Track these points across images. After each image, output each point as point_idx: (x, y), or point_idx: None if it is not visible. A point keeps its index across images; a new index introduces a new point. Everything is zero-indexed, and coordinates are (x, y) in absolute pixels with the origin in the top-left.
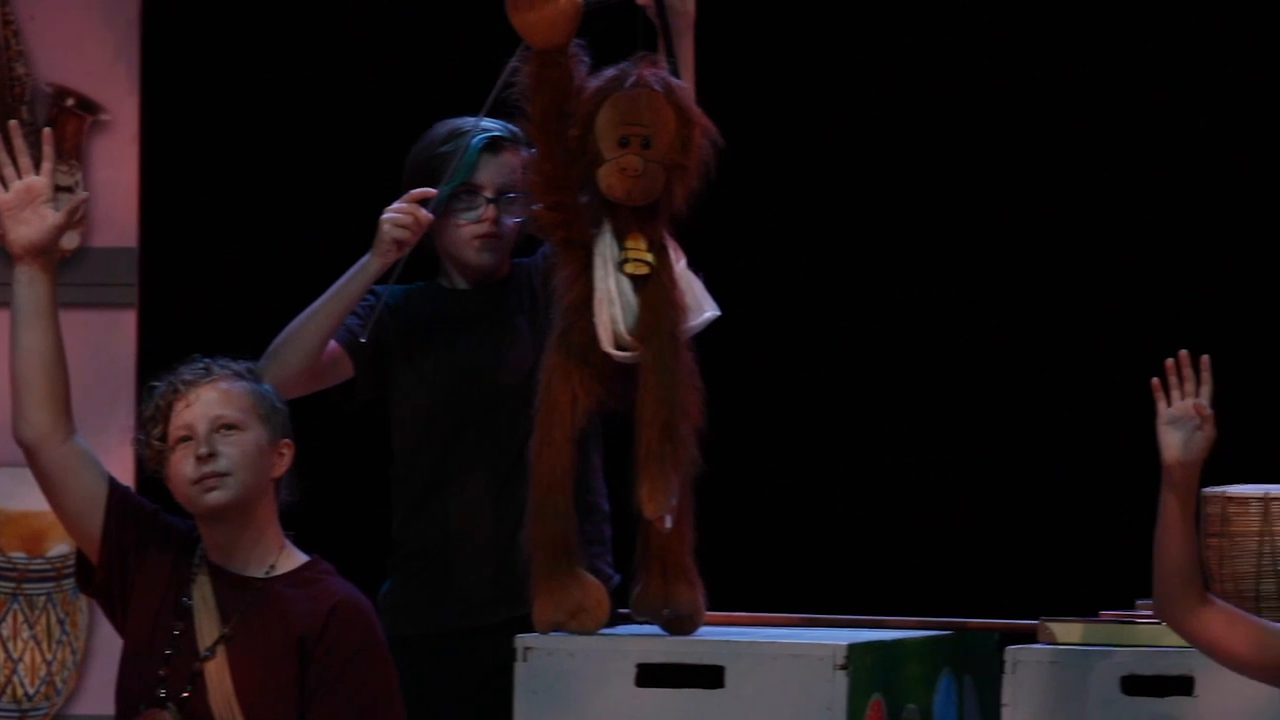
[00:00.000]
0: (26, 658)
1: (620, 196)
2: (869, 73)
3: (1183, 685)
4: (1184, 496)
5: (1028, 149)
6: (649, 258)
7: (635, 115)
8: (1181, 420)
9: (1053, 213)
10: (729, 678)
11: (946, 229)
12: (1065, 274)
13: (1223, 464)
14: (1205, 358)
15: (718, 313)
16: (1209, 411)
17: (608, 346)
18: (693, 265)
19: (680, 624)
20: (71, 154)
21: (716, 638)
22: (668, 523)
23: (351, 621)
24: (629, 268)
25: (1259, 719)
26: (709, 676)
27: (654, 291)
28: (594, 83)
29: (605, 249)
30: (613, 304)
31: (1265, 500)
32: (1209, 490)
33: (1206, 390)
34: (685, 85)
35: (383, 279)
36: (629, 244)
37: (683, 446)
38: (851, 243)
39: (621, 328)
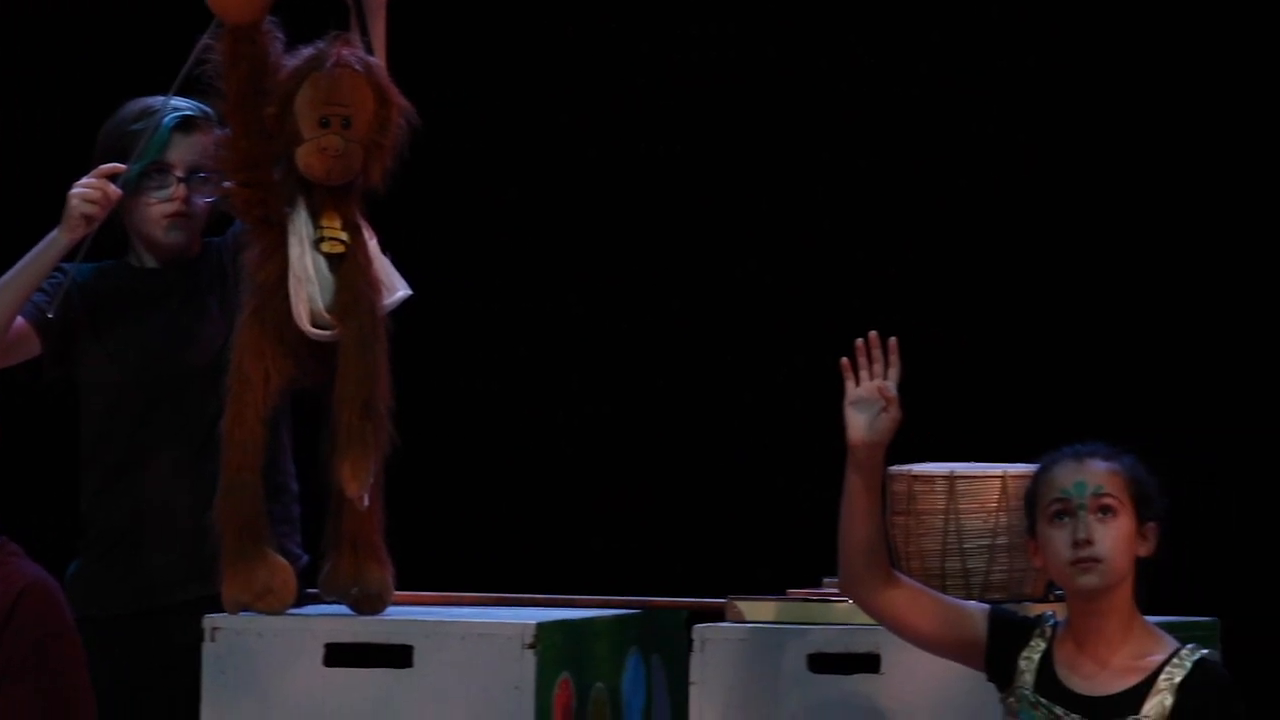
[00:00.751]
0: None
1: (320, 176)
2: (548, 58)
3: (869, 663)
4: (869, 476)
5: (697, 132)
6: (344, 236)
7: (336, 95)
8: (867, 401)
9: (734, 197)
10: (417, 657)
11: (629, 212)
12: (755, 253)
13: (909, 442)
14: (893, 340)
15: (409, 292)
16: (894, 393)
17: (305, 325)
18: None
19: (369, 603)
20: None
21: (405, 617)
22: (366, 501)
23: (39, 605)
24: (325, 246)
25: (944, 695)
26: (397, 656)
27: (350, 270)
28: (292, 61)
29: (300, 227)
30: (310, 282)
31: (951, 479)
32: (895, 469)
33: (894, 372)
34: (382, 65)
35: (70, 255)
36: (324, 222)
37: (381, 425)
38: (535, 225)
39: (319, 305)
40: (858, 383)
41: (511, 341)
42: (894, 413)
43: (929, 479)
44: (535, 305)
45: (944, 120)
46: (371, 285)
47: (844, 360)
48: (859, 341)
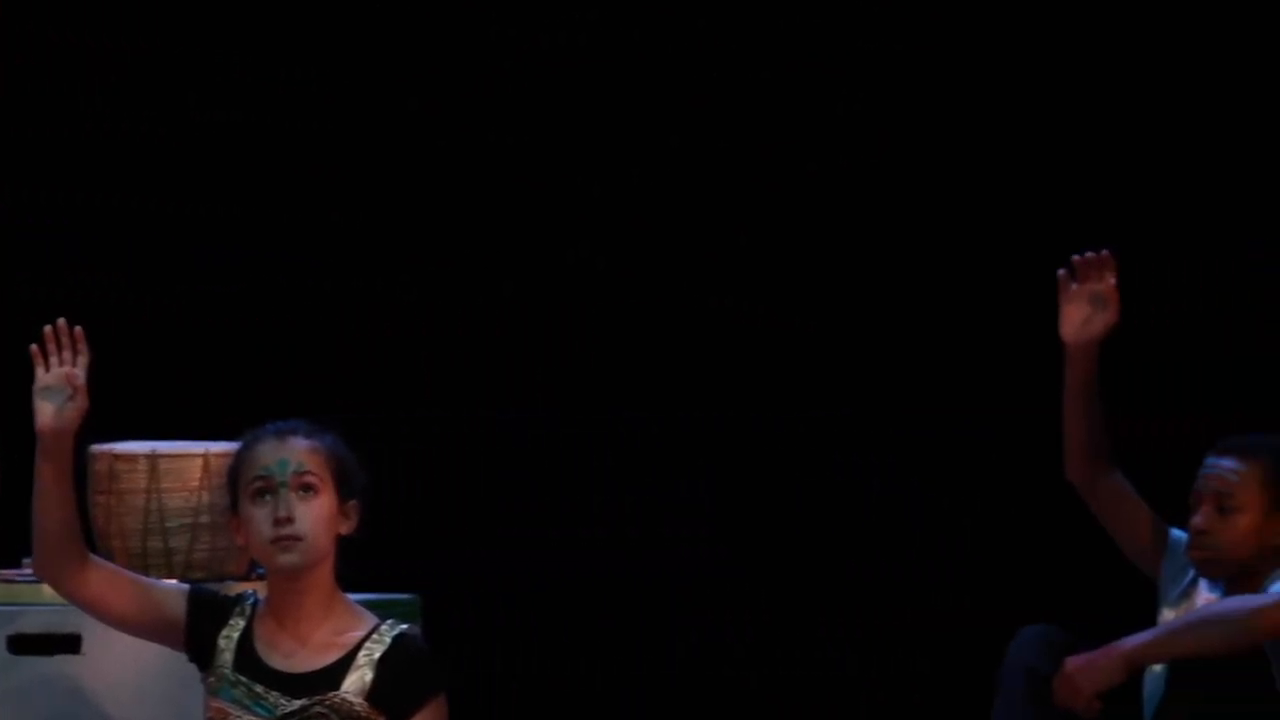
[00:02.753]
0: None
1: None
2: None
3: (70, 643)
4: (58, 463)
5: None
6: None
7: None
8: (56, 389)
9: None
10: None
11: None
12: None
13: (112, 421)
14: (79, 329)
15: None
16: (81, 381)
17: None
18: None
19: None
20: None
21: None
22: None
23: None
24: None
25: (146, 675)
26: None
27: None
28: None
29: None
30: None
31: (153, 457)
32: (97, 447)
33: (83, 360)
34: None
35: None
36: None
37: None
38: None
39: None
40: (47, 369)
41: None
42: (80, 401)
43: (131, 458)
44: None
45: None
46: None
47: (33, 347)
48: (47, 329)
